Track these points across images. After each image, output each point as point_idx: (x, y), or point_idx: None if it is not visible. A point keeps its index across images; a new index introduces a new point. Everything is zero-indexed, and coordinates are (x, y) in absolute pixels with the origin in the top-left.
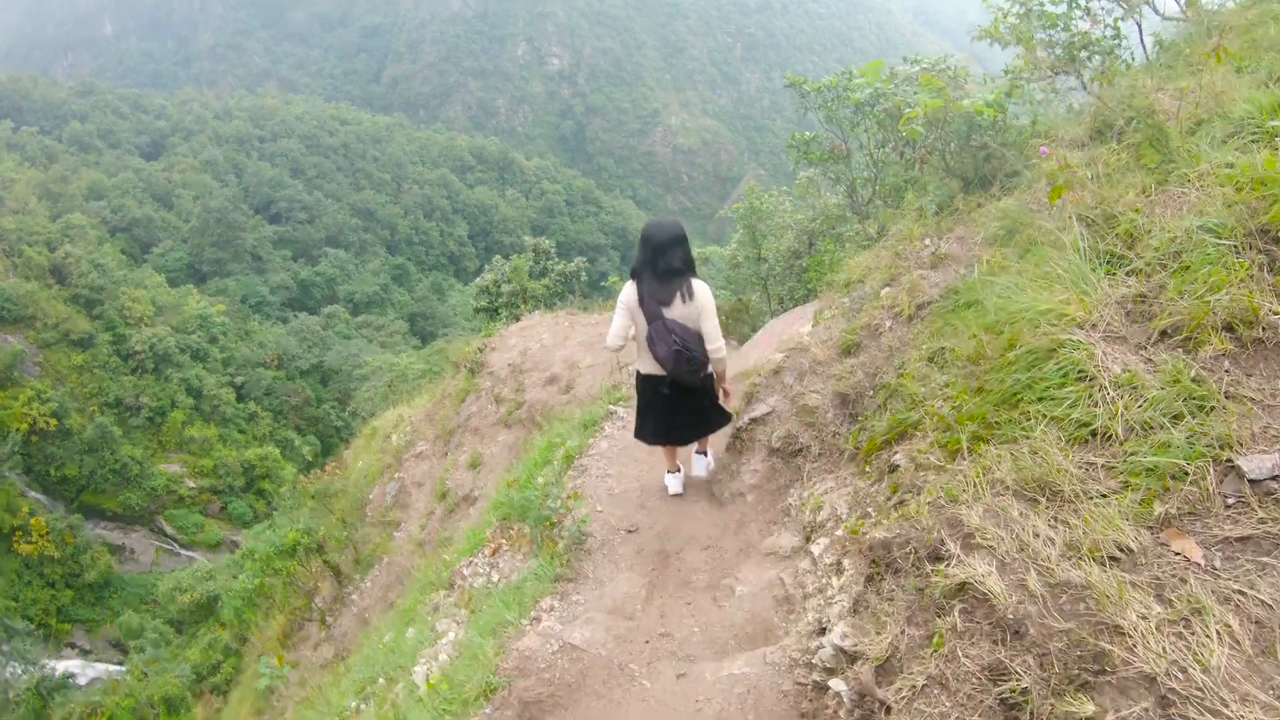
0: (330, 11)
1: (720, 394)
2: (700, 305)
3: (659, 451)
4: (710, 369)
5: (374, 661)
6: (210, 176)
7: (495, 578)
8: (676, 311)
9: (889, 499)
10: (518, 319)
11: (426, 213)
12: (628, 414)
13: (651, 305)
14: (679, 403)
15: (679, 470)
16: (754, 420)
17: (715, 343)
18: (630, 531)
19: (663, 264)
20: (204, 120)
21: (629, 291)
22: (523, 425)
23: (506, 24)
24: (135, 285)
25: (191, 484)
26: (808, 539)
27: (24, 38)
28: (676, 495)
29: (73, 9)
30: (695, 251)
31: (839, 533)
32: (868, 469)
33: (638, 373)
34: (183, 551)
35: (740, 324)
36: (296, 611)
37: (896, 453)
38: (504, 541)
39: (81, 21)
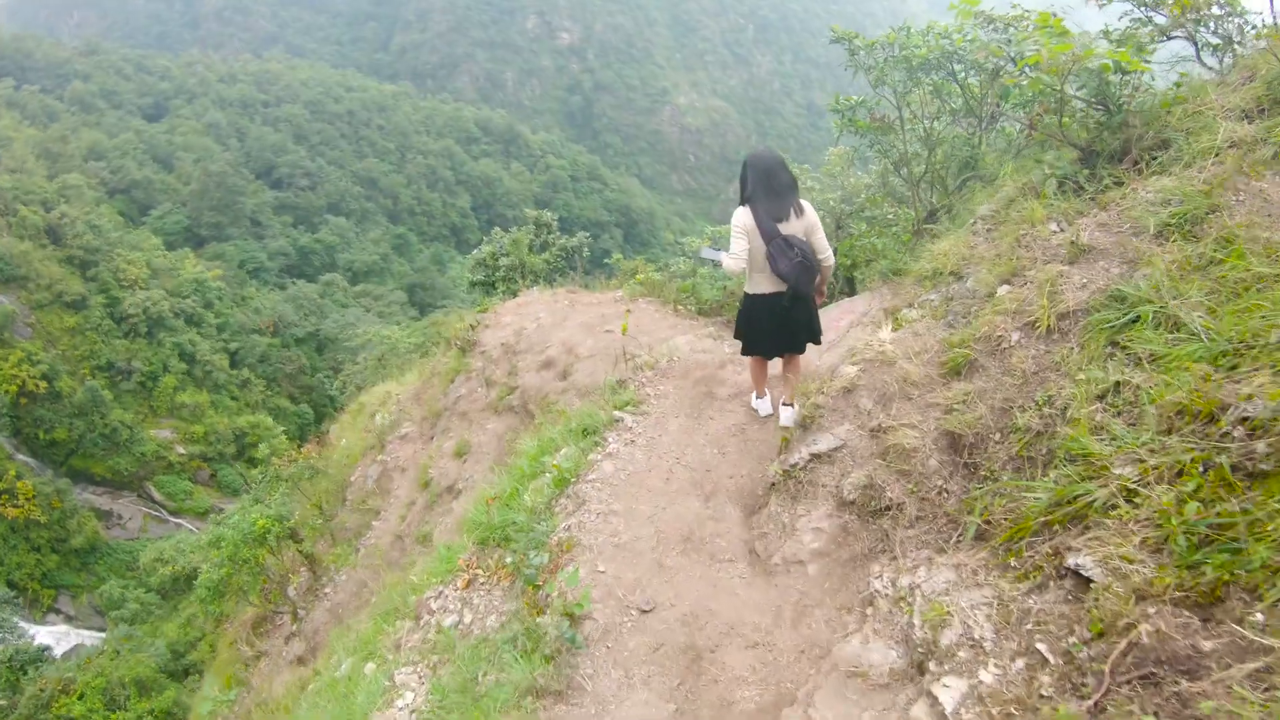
0: None
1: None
2: (810, 219)
3: (677, 479)
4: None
5: (322, 710)
6: (212, 140)
7: (468, 617)
8: (791, 227)
9: (1083, 637)
10: (515, 294)
11: (430, 183)
12: (639, 425)
13: (769, 224)
14: (795, 315)
15: (767, 395)
16: (815, 457)
17: (826, 252)
18: (645, 612)
19: (777, 183)
20: (208, 83)
21: (744, 216)
22: (514, 413)
23: None
24: (131, 247)
25: (181, 450)
26: (920, 666)
27: None
28: (768, 416)
29: None
30: (707, 230)
31: (986, 678)
32: (1013, 562)
33: (747, 295)
34: (171, 519)
35: None
36: (269, 601)
37: (1073, 546)
38: (479, 571)
39: None
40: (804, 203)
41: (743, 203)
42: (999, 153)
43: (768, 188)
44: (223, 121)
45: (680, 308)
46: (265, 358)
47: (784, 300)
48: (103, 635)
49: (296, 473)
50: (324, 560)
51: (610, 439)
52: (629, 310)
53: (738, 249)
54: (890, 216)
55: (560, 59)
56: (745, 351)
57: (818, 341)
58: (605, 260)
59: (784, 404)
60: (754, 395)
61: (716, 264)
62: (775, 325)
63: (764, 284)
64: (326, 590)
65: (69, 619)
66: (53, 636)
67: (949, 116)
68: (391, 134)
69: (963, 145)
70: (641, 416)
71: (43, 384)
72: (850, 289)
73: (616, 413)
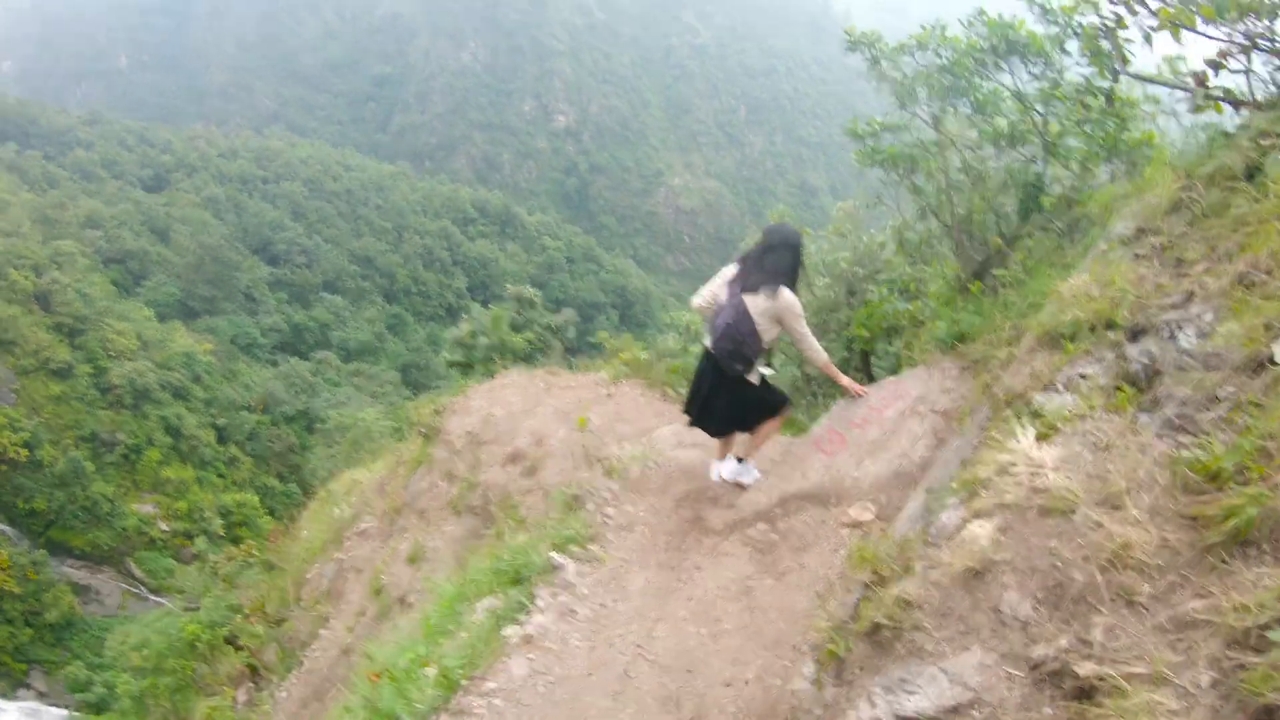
0: (341, 59)
1: (840, 383)
2: (783, 305)
3: (635, 692)
4: (751, 375)
5: None
6: (210, 214)
7: None
8: (754, 304)
9: None
10: (494, 375)
11: (426, 263)
12: (585, 580)
13: (736, 284)
14: (714, 388)
15: (725, 460)
16: None
17: (805, 341)
18: None
19: (769, 261)
20: (208, 157)
21: (731, 267)
22: (474, 514)
23: (514, 79)
24: (121, 317)
25: (164, 526)
26: None
27: (39, 67)
28: (716, 481)
29: (89, 41)
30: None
31: None
32: None
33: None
34: (151, 597)
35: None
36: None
37: None
38: None
39: (97, 54)
40: (785, 291)
41: (739, 260)
42: (1075, 182)
43: (758, 259)
44: (221, 196)
45: (669, 391)
46: (254, 435)
47: (705, 361)
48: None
49: (235, 570)
50: (270, 672)
51: (540, 601)
52: (609, 393)
53: (705, 288)
54: (916, 275)
55: (556, 141)
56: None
57: (737, 430)
58: (589, 338)
59: (724, 456)
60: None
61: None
62: (702, 388)
63: (706, 336)
64: (268, 708)
65: (40, 695)
66: (21, 713)
67: (999, 139)
68: (389, 213)
69: (1024, 173)
70: (591, 566)
71: (24, 452)
72: (866, 367)
73: (555, 555)
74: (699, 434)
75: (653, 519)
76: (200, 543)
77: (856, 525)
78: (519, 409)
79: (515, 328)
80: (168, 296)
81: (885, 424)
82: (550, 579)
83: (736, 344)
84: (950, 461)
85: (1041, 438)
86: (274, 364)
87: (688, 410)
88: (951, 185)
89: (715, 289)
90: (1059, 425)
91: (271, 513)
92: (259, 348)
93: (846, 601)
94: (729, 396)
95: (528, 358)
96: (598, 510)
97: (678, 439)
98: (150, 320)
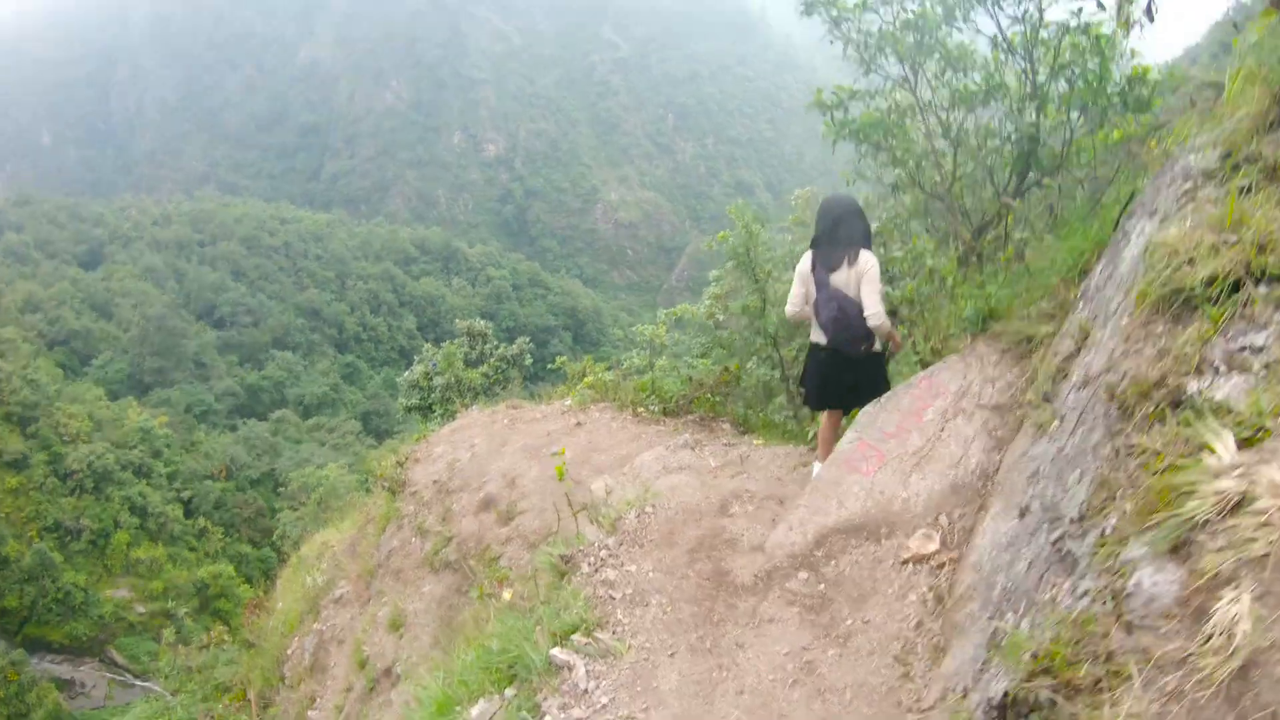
0: (265, 112)
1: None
2: (861, 269)
3: None
4: (876, 344)
5: None
6: (150, 284)
7: None
8: (839, 277)
9: None
10: (454, 416)
11: (373, 308)
12: (603, 683)
13: (820, 273)
14: (838, 373)
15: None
16: None
17: (872, 309)
18: None
19: (843, 231)
20: (142, 227)
21: (803, 261)
22: (452, 570)
23: (440, 113)
24: (71, 400)
25: (141, 609)
26: None
27: None
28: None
29: (9, 120)
30: (660, 314)
31: None
32: None
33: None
34: (137, 682)
35: (735, 404)
36: None
37: None
38: None
39: (18, 133)
40: (864, 252)
41: (811, 245)
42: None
43: (831, 235)
44: (159, 264)
45: (641, 410)
46: (221, 504)
47: (822, 353)
48: None
49: (207, 661)
50: None
51: (549, 718)
52: (578, 422)
53: (792, 294)
54: (916, 250)
55: (489, 170)
56: (804, 401)
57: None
58: (549, 365)
59: (819, 460)
60: (815, 463)
61: None
62: (820, 378)
63: (815, 332)
64: None
65: None
66: None
67: (973, 96)
68: (330, 262)
69: (1017, 125)
70: (606, 662)
71: None
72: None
73: (559, 653)
74: (684, 455)
75: (667, 582)
76: (169, 634)
77: (921, 560)
78: (485, 450)
79: (470, 363)
80: (117, 373)
81: (926, 429)
82: (556, 684)
83: (851, 329)
84: (1039, 473)
85: (1249, 443)
86: (233, 429)
87: (810, 400)
88: (936, 150)
89: (803, 289)
90: (1267, 424)
91: (249, 580)
92: (215, 414)
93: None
94: (860, 375)
95: (487, 391)
96: (595, 574)
97: (662, 464)
98: (102, 400)
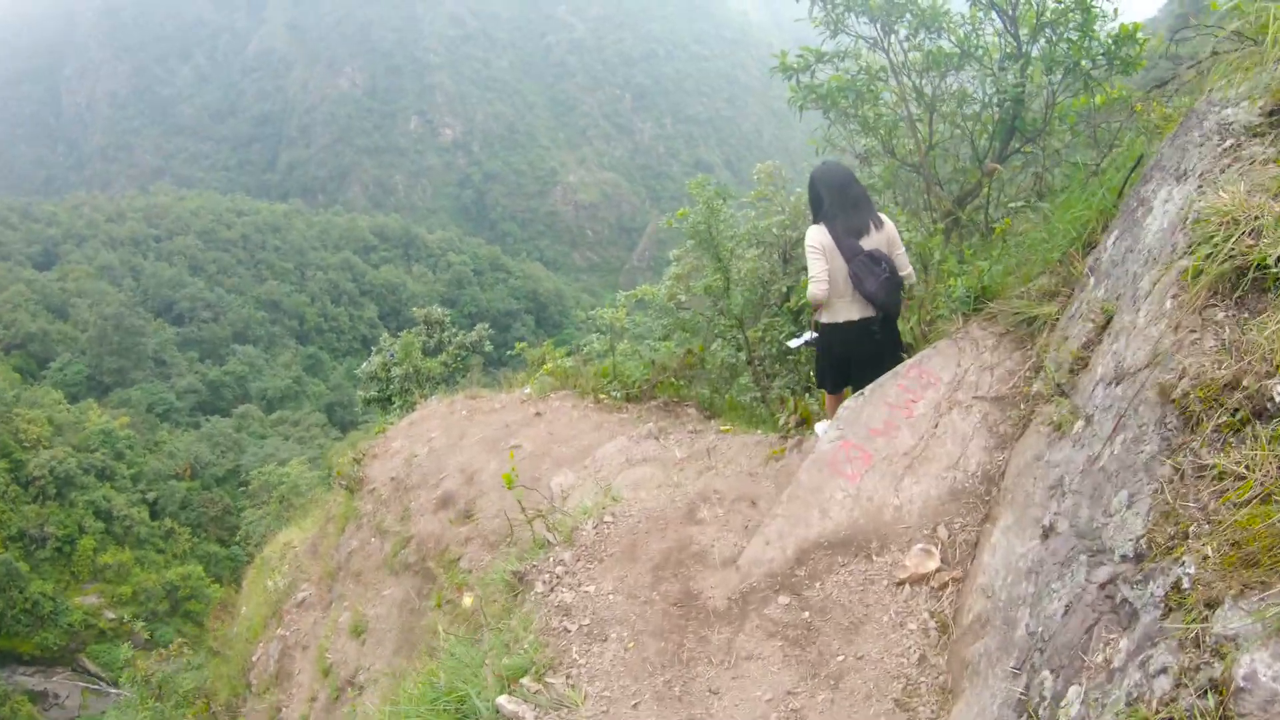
0: (219, 103)
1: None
2: (891, 231)
3: None
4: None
5: None
6: (107, 282)
7: None
8: (874, 240)
9: None
10: (413, 408)
11: (334, 298)
12: None
13: (849, 242)
14: (872, 346)
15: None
16: None
17: (907, 268)
18: None
19: (853, 194)
20: (96, 224)
21: (820, 234)
22: (412, 572)
23: (396, 99)
24: (30, 405)
25: (111, 615)
26: None
27: None
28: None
29: None
30: (620, 296)
31: None
32: None
33: (826, 327)
34: (111, 690)
35: (699, 387)
36: None
37: None
38: None
39: None
40: (882, 215)
41: (815, 221)
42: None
43: (844, 201)
44: (115, 262)
45: (603, 397)
46: (186, 503)
47: (874, 325)
48: None
49: (169, 677)
50: None
51: None
52: (537, 412)
53: (817, 271)
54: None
55: (446, 155)
56: (821, 384)
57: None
58: (509, 352)
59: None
60: (820, 423)
61: (811, 344)
62: (866, 355)
63: (847, 310)
64: None
65: None
66: None
67: (949, 59)
68: (288, 253)
69: (1001, 86)
70: (559, 715)
71: None
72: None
73: (506, 702)
74: (647, 446)
75: (629, 609)
76: (125, 650)
77: (920, 580)
78: (443, 445)
79: (428, 352)
80: (75, 375)
81: (917, 425)
82: None
83: (899, 291)
84: (1065, 485)
85: None
86: (196, 426)
87: (840, 384)
88: (911, 115)
89: (828, 265)
90: None
91: (218, 580)
92: (177, 412)
93: None
94: (885, 340)
95: (447, 380)
96: (549, 594)
97: (625, 456)
98: (61, 403)
